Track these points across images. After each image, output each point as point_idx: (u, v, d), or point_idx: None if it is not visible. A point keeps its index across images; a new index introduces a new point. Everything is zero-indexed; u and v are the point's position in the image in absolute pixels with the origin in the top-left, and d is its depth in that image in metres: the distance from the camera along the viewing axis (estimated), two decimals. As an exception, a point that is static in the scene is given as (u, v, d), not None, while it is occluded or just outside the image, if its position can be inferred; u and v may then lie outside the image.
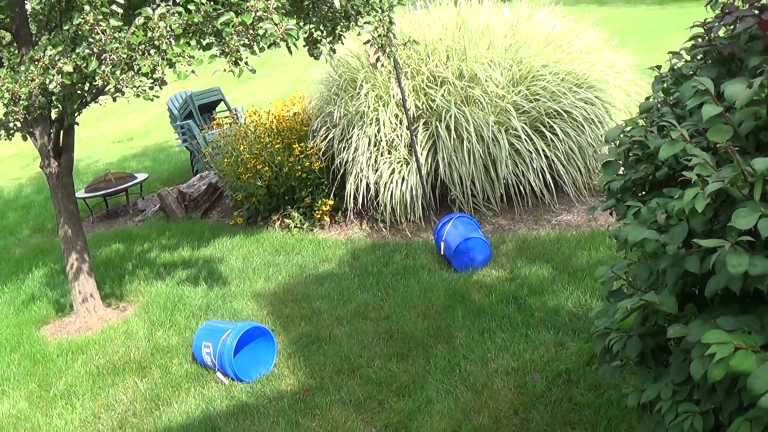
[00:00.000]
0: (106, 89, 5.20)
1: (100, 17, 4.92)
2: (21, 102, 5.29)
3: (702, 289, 2.45)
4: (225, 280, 7.35)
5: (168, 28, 4.96)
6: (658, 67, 3.40)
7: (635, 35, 17.08)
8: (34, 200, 12.57)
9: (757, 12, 2.62)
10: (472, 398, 4.76)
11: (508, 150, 7.58)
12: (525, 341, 5.34)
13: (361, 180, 7.97)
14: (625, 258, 3.13)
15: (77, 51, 5.06)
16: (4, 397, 5.85)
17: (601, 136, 7.68)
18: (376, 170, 7.92)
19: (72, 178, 6.82)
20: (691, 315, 2.52)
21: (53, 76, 5.16)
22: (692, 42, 3.06)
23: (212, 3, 5.14)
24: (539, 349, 5.20)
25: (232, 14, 5.01)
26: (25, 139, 6.40)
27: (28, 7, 6.36)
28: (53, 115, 6.53)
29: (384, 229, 8.01)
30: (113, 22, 4.96)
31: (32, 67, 5.26)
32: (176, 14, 4.99)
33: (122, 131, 18.20)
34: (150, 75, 5.06)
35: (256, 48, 5.10)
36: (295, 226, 8.39)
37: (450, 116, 7.68)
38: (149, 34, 4.94)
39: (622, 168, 3.00)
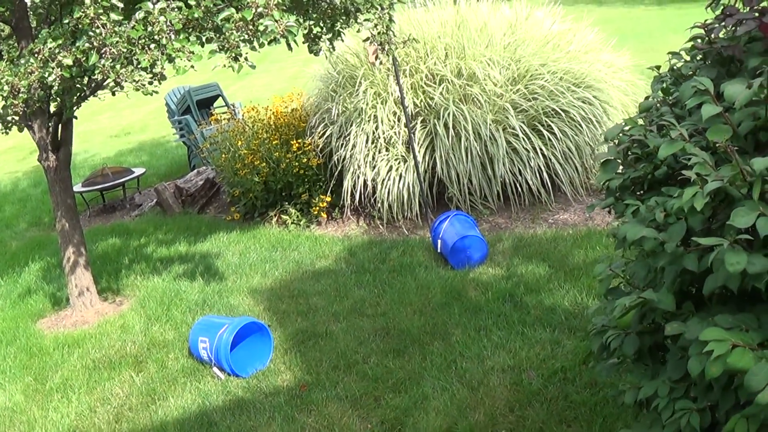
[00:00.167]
0: (106, 83, 5.20)
1: (101, 11, 4.92)
2: (20, 95, 5.29)
3: (700, 288, 2.47)
4: (222, 276, 7.35)
5: (168, 23, 4.96)
6: (658, 67, 3.41)
7: (634, 35, 17.10)
8: (30, 194, 12.56)
9: (757, 15, 2.64)
10: (468, 395, 4.77)
11: (506, 148, 7.59)
12: (521, 339, 5.36)
13: (358, 177, 7.98)
14: (623, 256, 3.15)
15: (77, 44, 5.06)
16: (0, 390, 5.85)
17: (600, 135, 7.70)
18: (374, 167, 7.93)
19: (70, 172, 6.82)
20: (689, 313, 2.54)
21: (53, 69, 5.16)
22: (692, 43, 3.08)
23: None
24: (535, 347, 5.22)
25: (233, 10, 5.00)
26: (21, 130, 6.38)
27: (27, 0, 6.35)
28: (52, 109, 6.53)
29: (381, 226, 8.02)
30: (113, 16, 4.95)
31: (32, 60, 5.26)
32: (176, 9, 4.99)
33: (119, 126, 18.18)
34: (149, 69, 5.06)
35: (256, 44, 5.10)
36: (292, 222, 8.40)
37: (448, 114, 7.69)
38: (149, 28, 4.93)
39: (621, 167, 3.02)
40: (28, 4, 6.41)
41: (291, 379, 5.34)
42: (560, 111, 7.77)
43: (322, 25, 6.73)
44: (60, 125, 6.56)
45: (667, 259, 2.45)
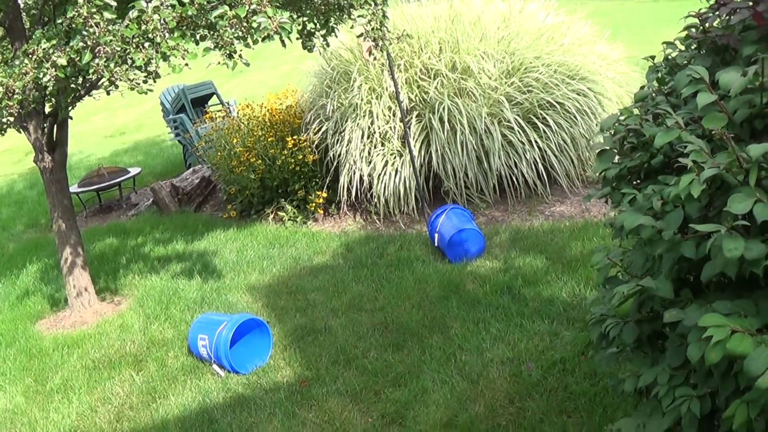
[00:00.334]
0: (100, 83, 5.20)
1: (94, 10, 4.91)
2: (15, 96, 5.28)
3: (697, 276, 2.48)
4: (219, 273, 7.36)
5: (162, 21, 4.96)
6: (652, 58, 3.42)
7: (627, 28, 17.09)
8: (27, 196, 12.55)
9: (751, 4, 2.64)
10: (468, 388, 4.78)
11: (501, 141, 7.60)
12: (520, 331, 5.37)
13: (354, 172, 7.98)
14: (621, 246, 3.16)
15: (71, 44, 5.06)
16: (0, 392, 5.86)
17: (595, 126, 7.72)
18: (370, 162, 7.94)
19: (66, 173, 6.81)
20: (687, 300, 2.54)
21: (47, 69, 5.15)
22: (686, 32, 3.08)
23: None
24: (534, 339, 5.23)
25: (226, 7, 5.00)
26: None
27: (20, 1, 6.35)
28: (47, 110, 6.52)
29: (378, 221, 8.02)
30: (107, 15, 4.95)
31: (26, 61, 5.26)
32: (170, 7, 4.98)
33: (114, 126, 18.16)
34: (144, 68, 5.06)
35: (250, 41, 5.10)
36: (288, 219, 8.40)
37: (443, 108, 7.70)
38: (143, 27, 4.93)
39: (618, 156, 3.02)
40: (21, 5, 6.40)
41: (291, 375, 5.34)
42: (555, 103, 7.78)
43: (315, 21, 6.73)
44: (55, 126, 6.56)
45: (664, 247, 2.46)
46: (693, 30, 3.01)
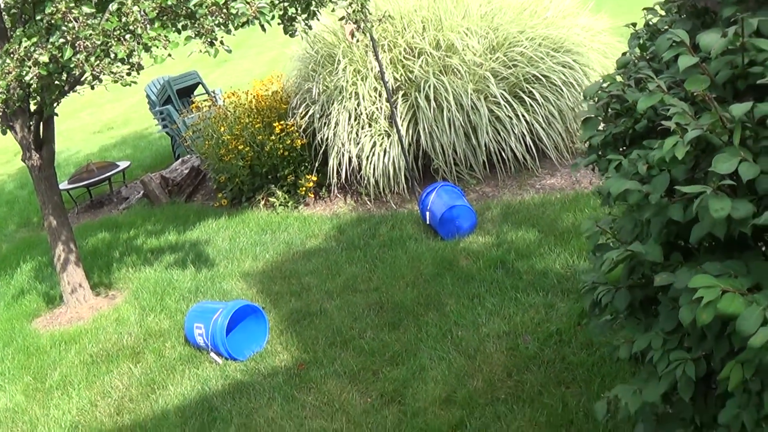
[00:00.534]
0: (84, 78, 5.17)
1: (72, 4, 4.89)
2: (-1, 95, 5.27)
3: (687, 239, 2.48)
4: (213, 262, 7.35)
5: (142, 13, 4.94)
6: (634, 24, 3.41)
7: (610, -2, 17.05)
8: (18, 195, 12.50)
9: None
10: (466, 363, 4.80)
11: (489, 117, 7.59)
12: (515, 305, 5.38)
13: (343, 155, 7.97)
14: (610, 214, 3.16)
15: (51, 40, 5.03)
16: (0, 391, 5.86)
17: (581, 98, 7.71)
18: (358, 144, 7.93)
19: (54, 170, 6.79)
20: (677, 264, 2.55)
21: (29, 67, 5.13)
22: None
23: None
24: (529, 312, 5.25)
25: (205, -6, 4.98)
26: (4, 133, 6.36)
27: (0, 1, 6.30)
28: (32, 107, 6.49)
29: (369, 202, 8.02)
30: (85, 8, 4.93)
31: (8, 61, 5.23)
32: (149, -2, 4.96)
33: (101, 121, 18.08)
34: (126, 60, 5.05)
35: (231, 27, 5.08)
36: (279, 204, 8.39)
37: (429, 86, 7.68)
38: (123, 19, 4.91)
39: (602, 124, 3.02)
40: (2, 4, 6.36)
41: (288, 359, 5.36)
42: (541, 77, 7.76)
43: (297, 5, 6.69)
44: (41, 123, 6.53)
45: (652, 211, 2.46)
46: (673, -6, 3.01)
